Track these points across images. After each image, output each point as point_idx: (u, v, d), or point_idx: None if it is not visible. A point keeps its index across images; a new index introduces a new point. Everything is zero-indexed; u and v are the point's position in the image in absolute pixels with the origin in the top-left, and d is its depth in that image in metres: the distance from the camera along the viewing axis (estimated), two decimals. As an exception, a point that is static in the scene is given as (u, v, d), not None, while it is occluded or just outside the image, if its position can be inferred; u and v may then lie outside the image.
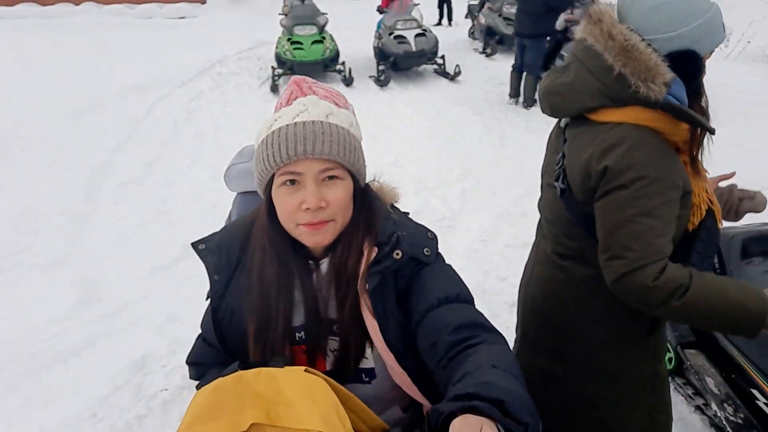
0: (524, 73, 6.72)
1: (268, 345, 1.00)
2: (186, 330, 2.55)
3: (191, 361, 1.15)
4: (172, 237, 3.72)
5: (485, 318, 0.96)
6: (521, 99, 6.82)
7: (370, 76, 8.33)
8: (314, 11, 8.47)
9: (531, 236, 3.57)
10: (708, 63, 1.18)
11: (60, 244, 3.74)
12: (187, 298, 2.91)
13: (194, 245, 1.08)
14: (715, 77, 6.76)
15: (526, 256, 3.39)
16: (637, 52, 1.09)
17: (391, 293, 1.00)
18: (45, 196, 4.40)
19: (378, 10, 9.09)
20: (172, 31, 12.13)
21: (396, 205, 1.12)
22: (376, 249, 0.99)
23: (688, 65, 1.12)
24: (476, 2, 11.52)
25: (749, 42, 7.97)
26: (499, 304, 3.08)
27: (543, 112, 1.37)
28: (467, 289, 1.02)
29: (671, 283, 1.10)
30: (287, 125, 0.96)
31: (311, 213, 0.95)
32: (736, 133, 5.24)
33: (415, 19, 8.45)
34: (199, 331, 1.15)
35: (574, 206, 1.28)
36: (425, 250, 1.01)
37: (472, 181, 4.69)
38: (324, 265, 1.03)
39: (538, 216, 4.49)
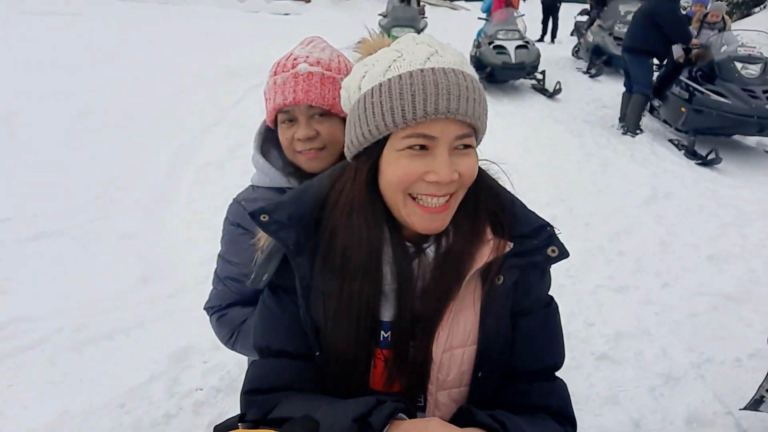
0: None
1: (351, 344, 0.82)
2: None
3: (267, 387, 0.84)
4: (243, 225, 3.64)
5: (570, 403, 0.88)
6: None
7: (464, 86, 8.01)
8: (414, 14, 8.30)
9: (627, 279, 3.25)
10: None
11: (135, 217, 3.75)
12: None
13: (254, 216, 0.84)
14: None
15: (620, 301, 3.06)
16: None
17: (510, 298, 0.84)
18: (131, 169, 4.50)
19: (485, 15, 8.73)
20: (276, 25, 12.48)
21: None
22: (510, 244, 0.83)
23: None
24: (584, 19, 10.87)
25: None
26: (583, 354, 2.65)
27: None
28: (564, 347, 0.92)
29: None
30: (421, 70, 0.73)
31: (437, 186, 0.75)
32: None
33: (518, 30, 8.03)
34: None
35: None
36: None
37: (565, 207, 4.23)
38: (430, 252, 0.84)
39: (637, 258, 3.94)
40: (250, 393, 0.84)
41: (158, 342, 2.50)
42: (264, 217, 0.84)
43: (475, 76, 0.79)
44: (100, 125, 5.41)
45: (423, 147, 0.75)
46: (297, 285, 0.84)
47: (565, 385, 0.90)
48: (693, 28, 6.34)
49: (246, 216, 1.20)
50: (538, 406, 0.86)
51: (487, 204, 0.85)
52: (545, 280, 0.91)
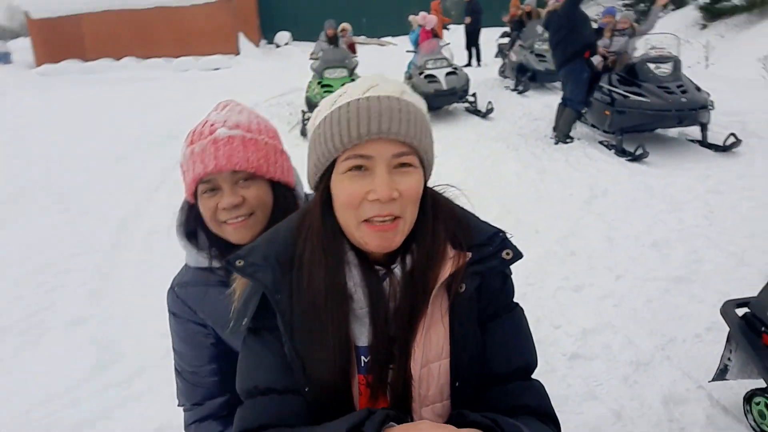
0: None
1: (331, 373, 0.84)
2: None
3: (257, 426, 0.83)
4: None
5: (549, 401, 0.89)
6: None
7: (401, 116, 8.22)
8: (344, 54, 8.50)
9: (583, 277, 3.37)
10: None
11: (82, 301, 3.59)
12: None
13: (230, 263, 0.87)
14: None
15: (579, 301, 3.17)
16: None
17: (475, 305, 0.89)
18: (73, 249, 4.33)
19: (413, 47, 9.06)
20: (207, 81, 12.49)
21: None
22: (468, 254, 0.87)
23: None
24: (506, 41, 11.48)
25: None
26: (554, 356, 2.72)
27: None
28: (535, 348, 0.94)
29: None
30: (357, 99, 0.81)
31: (380, 205, 0.79)
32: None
33: (446, 58, 8.39)
34: None
35: None
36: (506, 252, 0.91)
37: (513, 219, 4.37)
38: (397, 272, 0.87)
39: (588, 256, 4.09)
40: None
41: (129, 429, 2.38)
42: (239, 262, 0.87)
43: (416, 101, 0.86)
44: (34, 207, 5.21)
45: (362, 167, 0.80)
46: (279, 323, 0.86)
47: (541, 385, 0.92)
48: (606, 38, 6.80)
49: (179, 303, 1.18)
50: (517, 406, 0.87)
51: (445, 223, 0.89)
52: (507, 287, 0.95)
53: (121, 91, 11.24)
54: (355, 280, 0.85)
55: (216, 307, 1.12)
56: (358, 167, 0.80)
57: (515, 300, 0.96)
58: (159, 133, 7.31)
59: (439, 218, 0.89)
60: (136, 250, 4.31)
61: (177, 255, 4.05)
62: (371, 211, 0.80)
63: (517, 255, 0.90)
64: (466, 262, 0.86)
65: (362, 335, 0.86)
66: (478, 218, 0.94)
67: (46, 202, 5.24)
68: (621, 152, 5.76)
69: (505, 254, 0.89)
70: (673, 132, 6.30)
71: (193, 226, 1.18)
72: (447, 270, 0.85)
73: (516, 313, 0.95)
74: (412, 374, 0.84)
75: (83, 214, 4.96)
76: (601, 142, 6.25)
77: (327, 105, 0.85)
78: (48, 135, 7.60)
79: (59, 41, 15.08)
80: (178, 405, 1.27)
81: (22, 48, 17.36)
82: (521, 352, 0.93)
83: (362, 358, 0.86)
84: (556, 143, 6.36)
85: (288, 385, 0.85)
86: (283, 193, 1.15)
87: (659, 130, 6.22)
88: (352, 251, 0.87)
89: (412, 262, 0.86)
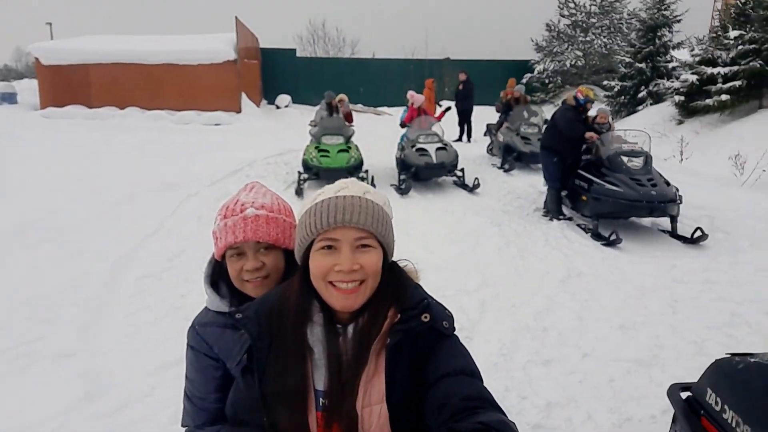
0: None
1: (293, 410, 1.04)
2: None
3: None
4: (184, 334, 3.65)
5: (494, 397, 1.00)
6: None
7: (392, 185, 8.63)
8: (341, 123, 9.00)
9: (552, 353, 3.59)
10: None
11: (72, 335, 3.69)
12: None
13: (231, 315, 1.13)
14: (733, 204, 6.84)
15: (548, 374, 3.37)
16: None
17: (405, 359, 1.07)
18: (66, 285, 4.44)
19: (401, 125, 9.65)
20: (207, 135, 12.93)
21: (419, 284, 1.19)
22: (399, 314, 1.08)
23: None
24: (494, 122, 12.21)
25: (764, 170, 8.13)
26: (520, 424, 2.82)
27: None
28: (479, 370, 1.08)
29: None
30: (329, 198, 1.07)
31: (344, 274, 1.03)
32: (760, 259, 5.19)
33: (437, 134, 8.91)
34: None
35: None
36: (444, 322, 1.10)
37: (491, 292, 4.61)
38: (350, 329, 1.08)
39: (559, 332, 4.33)
40: None
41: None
42: (239, 315, 1.13)
43: (377, 199, 1.11)
44: (34, 241, 5.34)
45: (331, 247, 1.05)
46: (255, 366, 1.08)
47: (488, 390, 1.03)
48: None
49: (198, 339, 1.44)
50: (468, 396, 0.97)
51: (394, 291, 1.12)
52: (446, 346, 1.09)
53: (123, 139, 11.60)
54: (317, 336, 1.09)
55: (229, 345, 1.32)
56: (329, 246, 1.05)
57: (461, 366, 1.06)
58: (159, 182, 7.57)
59: (390, 287, 1.12)
60: (127, 291, 4.43)
61: (165, 301, 4.28)
62: (336, 277, 1.04)
63: (434, 319, 1.08)
64: (393, 321, 1.08)
65: (320, 381, 1.08)
66: (417, 287, 1.17)
67: (45, 237, 5.38)
68: (597, 236, 6.12)
69: (423, 317, 1.08)
70: (646, 221, 6.71)
71: (217, 278, 1.44)
72: (385, 328, 1.07)
73: (456, 338, 1.11)
74: (357, 413, 1.04)
75: (79, 251, 5.10)
76: (579, 225, 6.63)
77: (310, 200, 1.11)
78: (50, 174, 7.82)
79: (66, 87, 15.57)
80: (182, 425, 1.46)
81: (27, 89, 17.85)
82: (467, 361, 1.07)
83: (320, 399, 1.07)
84: (550, 219, 6.87)
85: (256, 420, 1.07)
86: (294, 260, 1.37)
87: (634, 219, 6.64)
88: (320, 313, 1.10)
89: (362, 321, 1.09)
